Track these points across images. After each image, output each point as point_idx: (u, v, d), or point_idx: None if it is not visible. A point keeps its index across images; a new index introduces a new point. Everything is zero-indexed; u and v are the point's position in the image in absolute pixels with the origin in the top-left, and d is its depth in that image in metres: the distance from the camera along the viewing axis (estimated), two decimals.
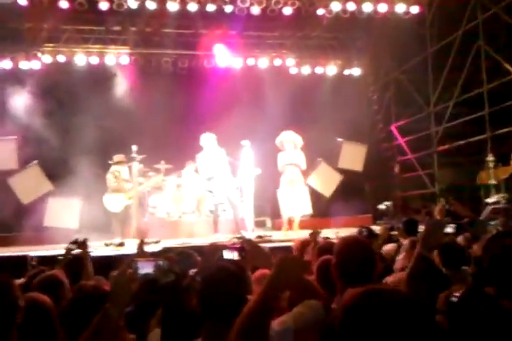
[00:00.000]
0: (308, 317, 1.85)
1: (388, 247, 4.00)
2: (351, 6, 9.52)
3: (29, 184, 8.57)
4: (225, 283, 1.62)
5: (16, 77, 9.67)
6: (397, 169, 11.45)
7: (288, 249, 5.23)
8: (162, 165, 9.17)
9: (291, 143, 8.91)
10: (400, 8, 9.74)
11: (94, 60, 10.28)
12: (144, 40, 10.50)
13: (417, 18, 9.92)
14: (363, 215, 9.40)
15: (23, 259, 4.87)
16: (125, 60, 10.43)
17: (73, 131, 9.27)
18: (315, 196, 9.18)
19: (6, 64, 9.86)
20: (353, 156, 9.63)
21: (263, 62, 11.05)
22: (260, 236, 7.41)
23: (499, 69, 8.29)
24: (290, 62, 11.21)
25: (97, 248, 6.33)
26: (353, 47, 11.39)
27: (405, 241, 3.42)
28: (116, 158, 8.02)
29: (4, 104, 9.40)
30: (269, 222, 10.03)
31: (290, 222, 8.83)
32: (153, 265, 1.86)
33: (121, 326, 1.67)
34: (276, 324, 1.77)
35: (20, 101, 9.61)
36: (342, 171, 9.54)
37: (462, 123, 9.26)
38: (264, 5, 9.35)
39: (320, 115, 9.90)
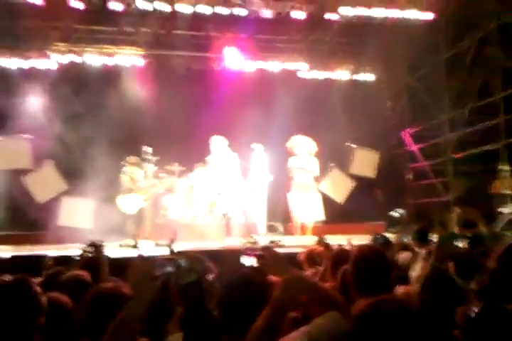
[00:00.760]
0: (329, 328, 1.85)
1: (403, 255, 3.99)
2: (363, 12, 9.51)
3: (44, 183, 8.65)
4: (248, 292, 1.62)
5: (29, 76, 9.71)
6: (410, 176, 11.39)
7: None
8: (176, 167, 9.21)
9: (303, 148, 8.92)
10: (413, 14, 9.71)
11: (107, 61, 10.34)
12: (156, 42, 10.55)
13: (430, 24, 9.88)
14: (375, 222, 9.36)
15: (40, 259, 4.92)
16: (137, 61, 10.49)
17: (86, 130, 9.33)
18: (327, 202, 9.17)
19: (19, 63, 9.87)
20: (366, 163, 9.60)
21: (275, 66, 11.07)
22: (273, 242, 7.42)
23: None
24: (302, 66, 11.20)
25: (112, 249, 6.37)
26: (366, 52, 11.36)
27: (422, 251, 3.42)
28: (130, 159, 8.08)
29: (18, 104, 9.47)
30: (280, 227, 10.02)
31: (302, 228, 8.84)
32: (174, 264, 1.83)
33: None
34: (300, 335, 1.78)
35: (34, 100, 9.69)
36: (354, 177, 9.51)
37: (477, 131, 9.21)
38: (276, 9, 9.39)
39: (332, 120, 9.89)
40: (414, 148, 11.07)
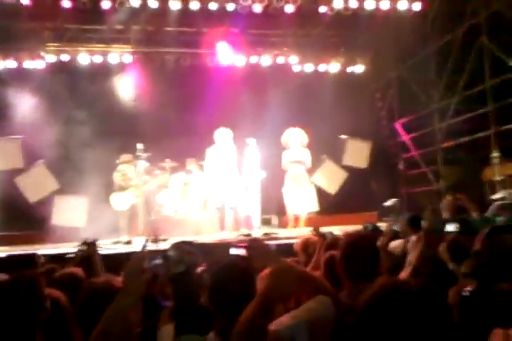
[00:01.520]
0: (319, 311, 1.88)
1: (395, 244, 4.03)
2: (353, 4, 9.54)
3: (36, 183, 8.62)
4: (235, 278, 1.64)
5: (20, 77, 9.71)
6: (401, 166, 11.46)
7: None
8: (167, 163, 9.22)
9: (296, 141, 8.94)
10: (403, 5, 9.75)
11: (98, 59, 10.34)
12: (146, 39, 10.53)
13: (420, 15, 9.90)
14: (368, 212, 9.41)
15: (31, 257, 4.92)
16: (128, 58, 10.48)
17: (78, 129, 9.31)
18: (320, 193, 9.21)
19: (10, 64, 9.90)
20: (358, 153, 9.63)
21: (266, 60, 11.07)
22: (266, 234, 7.46)
23: (502, 65, 8.29)
24: (293, 59, 11.22)
25: (105, 246, 6.38)
26: (356, 44, 11.38)
27: (412, 238, 3.45)
28: (123, 157, 8.08)
29: (9, 104, 9.44)
30: (275, 220, 10.07)
31: (296, 220, 8.88)
32: (164, 256, 1.86)
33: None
34: (287, 319, 1.81)
35: (25, 100, 9.66)
36: (347, 168, 9.55)
37: (466, 120, 9.26)
38: (266, 3, 9.39)
39: (323, 112, 9.92)
40: (406, 138, 11.12)
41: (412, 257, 3.30)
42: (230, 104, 9.87)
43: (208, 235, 8.01)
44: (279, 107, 9.62)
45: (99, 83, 9.88)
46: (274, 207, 9.99)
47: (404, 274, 2.83)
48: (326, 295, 1.97)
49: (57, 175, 8.77)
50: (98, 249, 4.12)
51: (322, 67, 11.44)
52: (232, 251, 2.17)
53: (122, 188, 7.86)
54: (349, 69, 11.64)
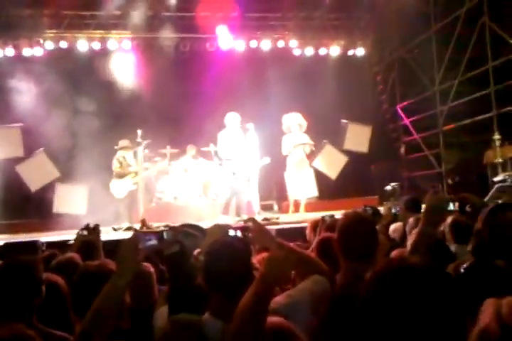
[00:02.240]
0: (314, 291, 1.88)
1: (395, 226, 4.01)
2: None
3: (37, 171, 8.62)
4: (230, 258, 1.64)
5: (20, 64, 9.66)
6: (403, 150, 11.41)
7: (294, 230, 5.29)
8: (167, 150, 9.19)
9: (295, 124, 8.89)
10: None
11: (97, 46, 10.27)
12: (145, 24, 10.43)
13: None
14: (369, 197, 9.39)
15: (33, 244, 4.93)
16: (127, 44, 10.40)
17: (78, 116, 9.28)
18: (321, 178, 9.18)
19: (9, 51, 9.88)
20: (359, 137, 9.56)
21: (266, 44, 10.97)
22: (267, 219, 7.46)
23: (504, 46, 8.18)
24: (293, 43, 11.12)
25: (106, 232, 6.40)
26: (357, 27, 11.26)
27: (410, 220, 3.43)
28: (122, 143, 8.05)
29: (8, 92, 9.40)
30: (275, 206, 10.08)
31: (296, 205, 8.87)
32: (158, 236, 1.85)
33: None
34: (283, 298, 1.81)
35: (24, 88, 9.60)
36: (348, 153, 9.52)
37: (468, 102, 9.18)
38: None
39: (324, 96, 9.84)
40: (407, 121, 11.05)
41: (410, 238, 3.29)
42: (230, 89, 9.81)
43: (209, 221, 8.00)
44: (279, 91, 9.56)
45: (99, 69, 9.81)
46: (275, 193, 10.00)
47: (397, 252, 2.81)
48: (321, 275, 1.97)
49: (58, 163, 8.77)
50: (99, 234, 4.12)
51: (323, 51, 11.34)
52: (230, 232, 2.16)
53: (120, 175, 7.84)
54: (350, 53, 11.53)
